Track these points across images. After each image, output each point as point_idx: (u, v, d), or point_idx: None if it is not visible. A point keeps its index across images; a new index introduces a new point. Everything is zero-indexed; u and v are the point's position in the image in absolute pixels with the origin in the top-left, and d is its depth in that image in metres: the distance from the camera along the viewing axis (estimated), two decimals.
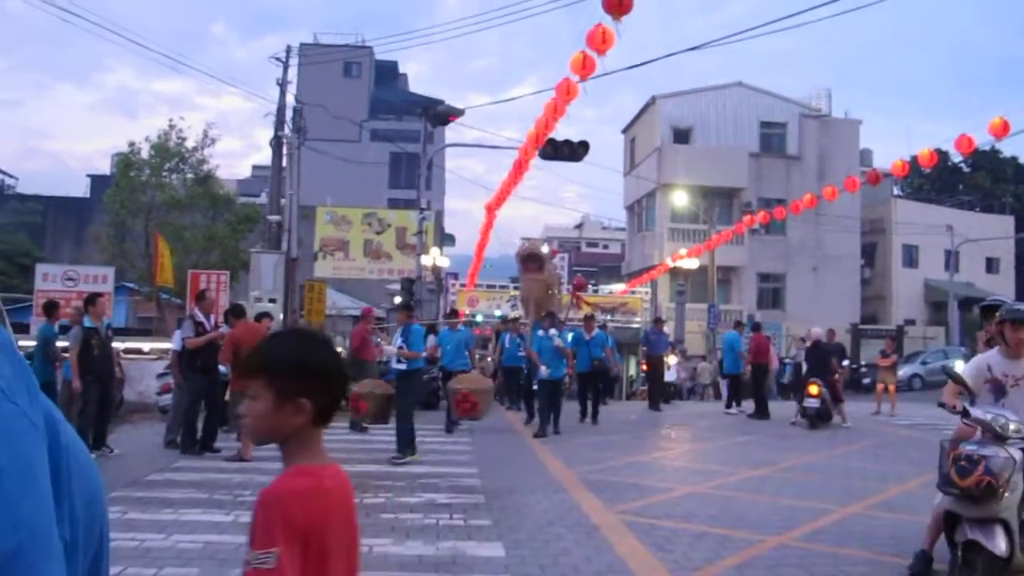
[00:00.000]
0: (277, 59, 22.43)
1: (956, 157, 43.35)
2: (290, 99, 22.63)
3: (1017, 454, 5.05)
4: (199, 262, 26.13)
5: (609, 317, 29.25)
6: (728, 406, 20.07)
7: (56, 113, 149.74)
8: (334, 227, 32.32)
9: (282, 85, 22.27)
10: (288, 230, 21.33)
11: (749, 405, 19.23)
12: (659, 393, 20.53)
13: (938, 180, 55.45)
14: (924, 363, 33.51)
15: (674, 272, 35.12)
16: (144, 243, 27.49)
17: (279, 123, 22.13)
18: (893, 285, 43.88)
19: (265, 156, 31.19)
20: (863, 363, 32.21)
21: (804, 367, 17.26)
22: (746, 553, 6.51)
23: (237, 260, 27.29)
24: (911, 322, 42.01)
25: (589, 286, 31.08)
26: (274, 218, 22.12)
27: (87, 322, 11.08)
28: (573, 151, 18.64)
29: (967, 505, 5.06)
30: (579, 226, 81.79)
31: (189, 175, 29.29)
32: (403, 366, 11.25)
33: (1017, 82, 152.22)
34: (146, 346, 21.45)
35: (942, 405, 5.58)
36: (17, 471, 0.77)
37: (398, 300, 22.68)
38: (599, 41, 11.21)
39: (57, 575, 0.81)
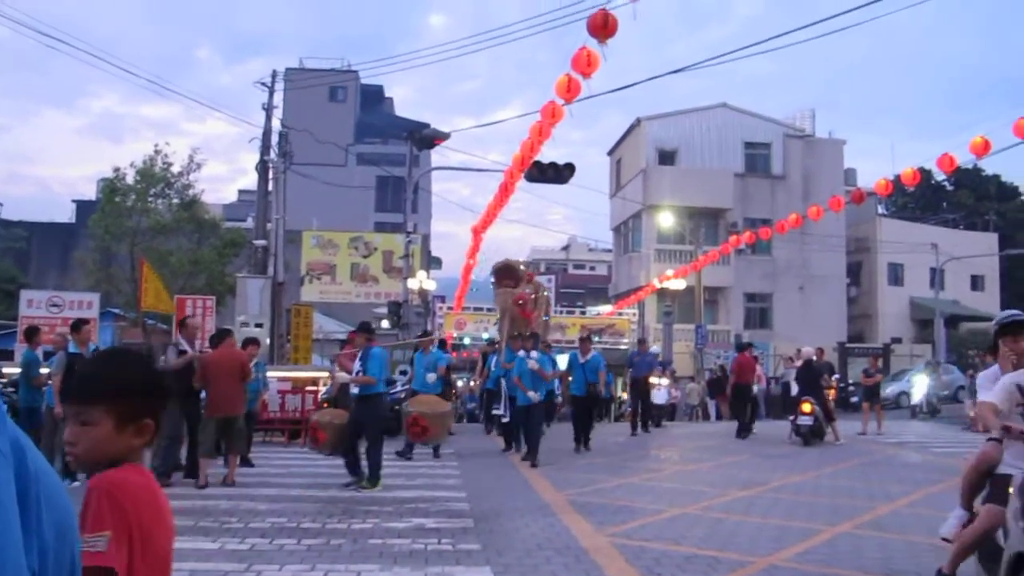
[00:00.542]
0: (263, 84, 22.49)
1: (939, 175, 43.65)
2: (276, 123, 22.69)
3: None
4: (185, 287, 26.04)
5: (597, 339, 29.24)
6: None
7: (41, 138, 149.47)
8: (321, 251, 32.30)
9: (268, 110, 22.31)
10: (274, 254, 21.30)
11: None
12: (645, 417, 19.91)
13: (922, 198, 55.93)
14: (909, 381, 33.58)
15: (661, 293, 35.21)
16: (130, 268, 27.39)
17: (265, 147, 22.15)
18: (879, 303, 44.11)
19: (251, 180, 31.18)
20: (851, 381, 32.30)
21: (793, 386, 17.33)
22: (736, 575, 6.48)
23: (223, 285, 27.20)
24: (898, 340, 42.18)
25: (541, 281, 27.90)
26: (260, 242, 22.07)
27: (72, 347, 11.02)
28: (559, 173, 18.65)
29: None
30: (566, 248, 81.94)
31: (175, 200, 29.24)
32: (356, 391, 11.05)
33: (998, 100, 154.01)
34: None
35: (973, 424, 5.22)
36: None
37: (385, 324, 22.60)
38: (584, 64, 11.28)
39: None
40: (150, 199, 28.73)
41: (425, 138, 24.94)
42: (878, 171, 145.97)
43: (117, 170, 28.54)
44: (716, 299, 39.92)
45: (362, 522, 8.38)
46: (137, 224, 28.03)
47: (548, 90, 13.44)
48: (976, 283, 46.75)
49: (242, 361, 11.43)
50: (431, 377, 14.87)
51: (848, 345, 39.34)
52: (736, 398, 19.58)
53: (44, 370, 11.66)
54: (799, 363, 18.99)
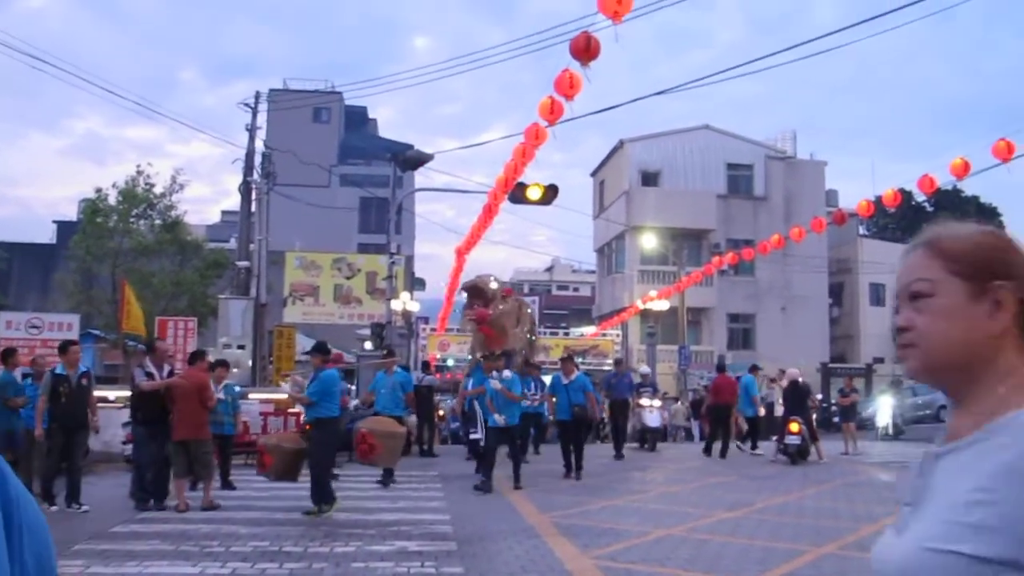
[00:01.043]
0: (246, 105, 22.50)
1: (920, 196, 44.02)
2: (259, 144, 22.69)
3: None
4: (167, 308, 25.86)
5: (580, 359, 29.20)
6: (754, 447, 19.63)
7: (24, 159, 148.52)
8: (304, 272, 32.16)
9: (251, 131, 22.31)
10: (257, 275, 21.22)
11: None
12: (620, 439, 18.87)
13: (903, 219, 56.30)
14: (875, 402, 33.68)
15: (644, 314, 35.28)
16: (111, 289, 27.18)
17: (248, 168, 22.13)
18: (861, 323, 44.33)
19: (234, 201, 31.17)
20: (833, 402, 32.37)
21: (777, 407, 17.39)
22: None
23: (206, 306, 27.01)
24: (880, 360, 42.34)
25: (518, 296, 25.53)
26: (243, 264, 21.98)
27: (59, 369, 10.92)
28: (542, 195, 18.65)
29: None
30: (549, 269, 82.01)
31: (157, 221, 29.07)
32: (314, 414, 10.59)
33: (978, 123, 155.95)
34: (112, 394, 21.06)
35: None
36: None
37: (368, 345, 22.45)
38: (567, 86, 11.34)
39: None
40: (132, 220, 28.52)
41: (409, 159, 24.92)
42: (859, 192, 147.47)
43: (99, 191, 28.33)
44: (699, 320, 40.02)
45: (345, 545, 8.32)
46: (119, 245, 27.82)
47: (531, 112, 13.44)
48: None
49: (201, 384, 11.21)
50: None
51: (831, 365, 39.50)
52: (714, 419, 19.55)
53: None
54: (783, 383, 19.05)
